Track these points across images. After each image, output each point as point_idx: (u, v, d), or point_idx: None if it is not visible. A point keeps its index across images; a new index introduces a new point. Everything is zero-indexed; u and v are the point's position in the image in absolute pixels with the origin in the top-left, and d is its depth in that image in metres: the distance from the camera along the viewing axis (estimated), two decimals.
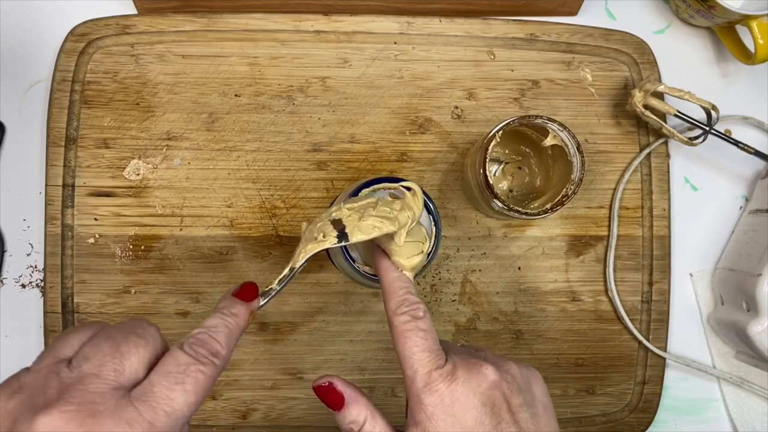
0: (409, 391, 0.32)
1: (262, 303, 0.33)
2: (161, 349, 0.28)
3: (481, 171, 0.44)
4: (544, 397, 0.35)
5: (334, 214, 0.35)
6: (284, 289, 0.34)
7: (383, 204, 0.36)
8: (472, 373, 0.31)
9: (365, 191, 0.40)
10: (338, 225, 0.35)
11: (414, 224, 0.37)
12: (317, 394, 0.34)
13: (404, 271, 0.36)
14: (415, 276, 0.40)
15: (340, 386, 0.34)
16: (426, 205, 0.40)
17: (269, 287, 0.34)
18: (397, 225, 0.35)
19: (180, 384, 0.27)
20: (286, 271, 0.34)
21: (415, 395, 0.32)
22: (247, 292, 0.32)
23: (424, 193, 0.40)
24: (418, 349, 0.32)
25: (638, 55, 0.53)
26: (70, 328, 0.29)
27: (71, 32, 0.49)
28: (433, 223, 0.40)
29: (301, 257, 0.35)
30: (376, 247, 0.37)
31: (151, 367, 0.27)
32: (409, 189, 0.39)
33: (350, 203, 0.36)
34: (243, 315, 0.31)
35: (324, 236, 0.35)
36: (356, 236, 0.34)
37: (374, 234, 0.34)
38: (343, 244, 0.35)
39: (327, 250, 0.46)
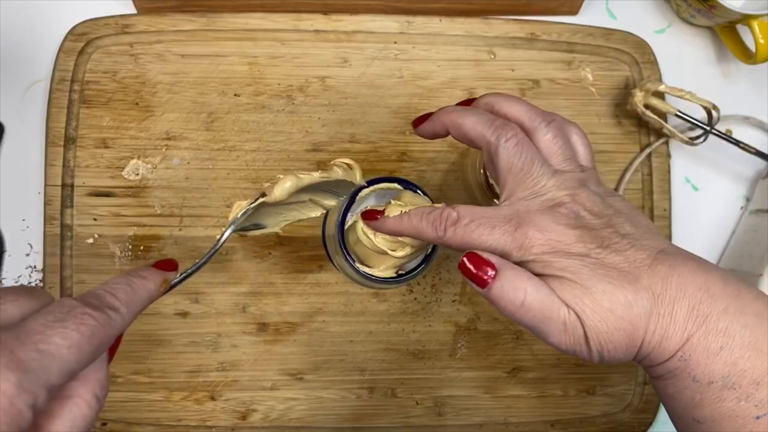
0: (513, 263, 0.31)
1: (179, 277, 0.31)
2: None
3: (481, 171, 0.44)
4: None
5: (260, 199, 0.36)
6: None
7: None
8: (540, 212, 0.31)
9: (365, 191, 0.40)
10: (261, 195, 0.35)
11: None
12: (464, 272, 0.31)
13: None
14: (415, 274, 0.40)
15: (484, 254, 0.30)
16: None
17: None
18: (317, 174, 0.35)
19: (60, 322, 0.23)
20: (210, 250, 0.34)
21: (519, 261, 0.30)
22: (166, 264, 0.31)
23: (425, 192, 0.40)
24: (486, 232, 0.31)
25: (639, 54, 0.53)
26: None
27: (70, 32, 0.49)
28: None
29: (227, 231, 0.34)
30: (367, 213, 0.36)
31: None
32: (408, 186, 0.39)
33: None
34: (154, 279, 0.29)
35: (245, 200, 0.35)
36: (272, 192, 0.34)
37: (289, 184, 0.34)
38: (259, 201, 0.34)
39: (327, 250, 0.46)
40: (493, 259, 0.30)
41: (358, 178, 0.38)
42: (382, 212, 0.35)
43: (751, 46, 0.51)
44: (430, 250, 0.40)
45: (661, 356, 0.29)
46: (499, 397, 0.50)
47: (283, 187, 0.34)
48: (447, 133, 0.36)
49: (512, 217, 0.31)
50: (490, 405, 0.50)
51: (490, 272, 0.30)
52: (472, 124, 0.33)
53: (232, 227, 0.35)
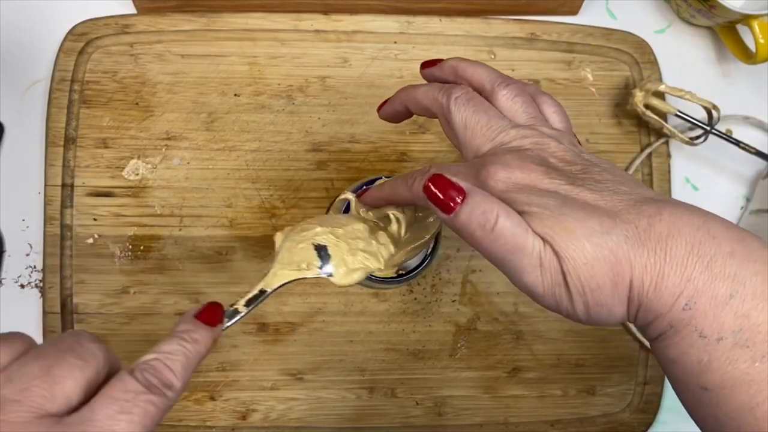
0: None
1: (226, 326, 0.30)
2: (104, 371, 0.25)
3: None
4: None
5: (318, 239, 0.33)
6: (268, 298, 0.32)
7: (371, 234, 0.35)
8: (503, 153, 0.29)
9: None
10: (322, 251, 0.33)
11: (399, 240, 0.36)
12: (429, 195, 0.28)
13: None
14: (415, 274, 0.40)
15: (451, 177, 0.28)
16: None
17: (234, 306, 0.31)
18: (381, 261, 0.34)
19: (126, 414, 0.23)
20: (256, 291, 0.31)
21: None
22: (212, 314, 0.28)
23: None
24: (452, 177, 0.28)
25: (639, 54, 0.53)
26: None
27: (70, 32, 0.49)
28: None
29: (276, 281, 0.32)
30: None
31: (90, 392, 0.24)
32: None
33: (337, 225, 0.34)
34: (205, 341, 0.27)
35: (307, 266, 0.32)
36: (340, 275, 0.33)
37: (357, 276, 0.33)
38: (324, 276, 0.32)
39: None
40: (462, 183, 0.27)
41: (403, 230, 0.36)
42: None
43: (751, 46, 0.51)
44: (430, 250, 0.40)
45: (660, 304, 0.25)
46: (499, 397, 0.50)
47: (352, 278, 0.33)
48: (408, 112, 0.35)
49: (476, 162, 0.29)
50: (490, 405, 0.50)
51: (458, 198, 0.27)
52: (425, 91, 0.33)
53: (273, 289, 0.32)
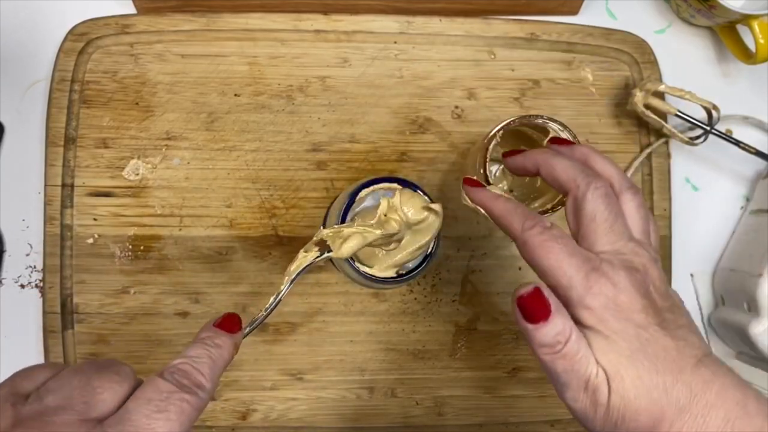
0: (569, 301, 0.30)
1: (246, 331, 0.32)
2: (135, 387, 0.26)
3: (482, 171, 0.44)
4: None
5: (315, 238, 0.37)
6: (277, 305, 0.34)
7: (362, 220, 0.38)
8: (618, 267, 0.30)
9: (364, 192, 0.40)
10: (322, 245, 0.36)
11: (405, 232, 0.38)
12: (521, 303, 0.30)
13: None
14: (415, 274, 0.40)
15: (545, 292, 0.30)
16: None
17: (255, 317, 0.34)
18: (379, 231, 0.37)
19: (162, 412, 0.24)
20: (272, 299, 0.35)
21: (577, 303, 0.29)
22: (230, 322, 0.30)
23: (425, 192, 0.40)
24: (565, 255, 0.30)
25: (639, 54, 0.53)
26: (31, 366, 0.27)
27: (70, 32, 0.49)
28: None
29: (285, 280, 0.35)
30: (472, 179, 0.37)
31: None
32: (408, 186, 0.40)
33: (331, 228, 0.37)
34: (227, 347, 0.29)
35: (306, 252, 0.36)
36: (338, 247, 0.36)
37: (355, 242, 0.36)
38: (325, 256, 0.35)
39: None
40: (552, 302, 0.29)
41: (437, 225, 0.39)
42: (484, 186, 0.37)
43: (751, 46, 0.51)
44: (430, 250, 0.40)
45: None
46: (499, 397, 0.50)
47: (350, 246, 0.36)
48: (536, 171, 0.36)
49: (593, 259, 0.30)
50: (490, 405, 0.50)
51: (543, 317, 0.29)
52: (565, 167, 0.34)
53: (294, 280, 0.36)
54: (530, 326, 0.29)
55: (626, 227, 0.32)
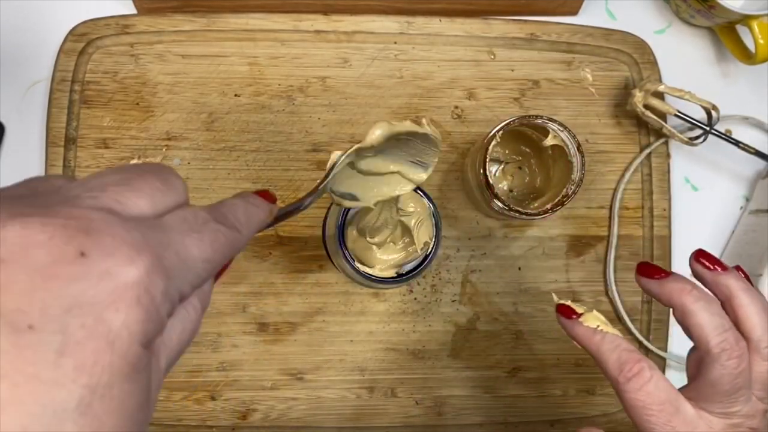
0: None
1: (284, 210, 0.30)
2: (182, 205, 0.23)
3: (482, 171, 0.44)
4: None
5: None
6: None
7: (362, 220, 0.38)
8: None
9: None
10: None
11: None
12: (561, 311, 0.34)
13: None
14: (415, 274, 0.41)
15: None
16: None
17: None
18: (408, 122, 0.35)
19: (197, 233, 0.21)
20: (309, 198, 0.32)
21: None
22: (267, 195, 0.28)
23: (425, 193, 0.40)
24: (662, 422, 0.30)
25: (639, 54, 0.53)
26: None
27: (71, 32, 0.49)
28: (433, 223, 0.40)
29: (324, 178, 0.33)
30: (562, 313, 0.35)
31: None
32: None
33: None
34: (264, 208, 0.26)
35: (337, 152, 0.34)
36: (366, 139, 0.33)
37: (380, 130, 0.33)
38: (356, 147, 0.33)
39: (327, 250, 0.47)
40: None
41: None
42: (579, 315, 0.34)
43: (751, 46, 0.51)
44: (430, 250, 0.40)
45: None
46: (499, 397, 0.50)
47: (376, 132, 0.34)
48: (668, 305, 0.33)
49: (694, 420, 0.30)
50: (490, 405, 0.50)
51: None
52: (702, 321, 0.31)
53: (335, 170, 0.33)
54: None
55: (748, 391, 0.31)
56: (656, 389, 0.30)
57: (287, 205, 0.31)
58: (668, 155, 0.53)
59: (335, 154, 0.34)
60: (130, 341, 0.18)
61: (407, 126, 0.34)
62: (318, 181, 0.33)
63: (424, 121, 0.36)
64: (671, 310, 0.33)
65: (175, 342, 0.22)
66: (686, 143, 0.50)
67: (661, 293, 0.33)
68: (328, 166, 0.33)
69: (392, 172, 0.38)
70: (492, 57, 0.52)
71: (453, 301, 0.50)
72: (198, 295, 0.23)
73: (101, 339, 0.17)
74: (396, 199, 0.38)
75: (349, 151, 0.33)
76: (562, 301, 0.35)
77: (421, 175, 0.38)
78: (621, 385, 0.31)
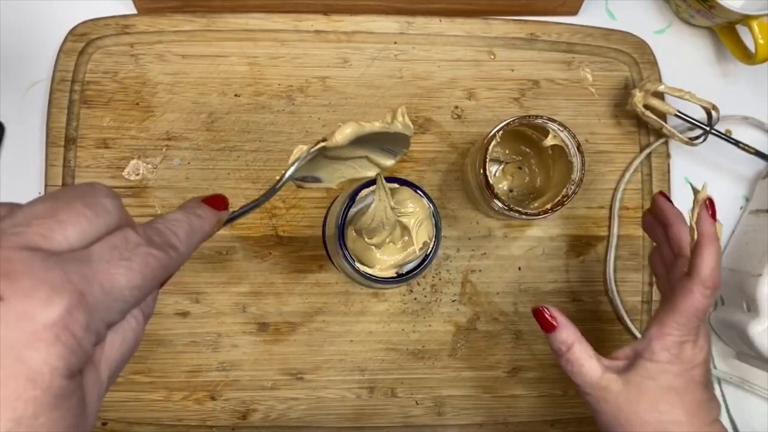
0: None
1: (234, 214, 0.30)
2: (113, 226, 0.23)
3: (482, 171, 0.44)
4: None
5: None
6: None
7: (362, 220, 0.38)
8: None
9: (365, 191, 0.40)
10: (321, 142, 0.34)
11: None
12: (534, 315, 0.39)
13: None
14: (415, 274, 0.40)
15: (553, 312, 0.38)
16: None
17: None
18: (378, 123, 0.35)
19: (125, 261, 0.22)
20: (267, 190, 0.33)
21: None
22: (217, 200, 0.28)
23: (424, 193, 0.40)
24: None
25: (638, 54, 0.53)
26: None
27: (71, 32, 0.49)
28: (433, 223, 0.40)
29: (283, 174, 0.33)
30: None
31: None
32: (409, 186, 0.40)
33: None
34: (209, 219, 0.27)
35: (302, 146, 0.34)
36: (333, 137, 0.33)
37: (350, 129, 0.33)
38: (320, 145, 0.33)
39: (327, 250, 0.47)
40: (559, 319, 0.39)
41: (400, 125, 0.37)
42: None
43: (751, 46, 0.51)
44: (430, 250, 0.40)
45: None
46: (499, 397, 0.50)
47: (344, 132, 0.34)
48: (694, 226, 0.37)
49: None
50: (490, 405, 0.50)
51: (551, 326, 0.39)
52: (716, 257, 0.36)
53: (294, 167, 0.34)
54: (545, 334, 0.39)
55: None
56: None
57: (242, 206, 0.31)
58: (668, 155, 0.53)
59: (299, 150, 0.34)
60: (52, 375, 0.19)
61: (376, 127, 0.34)
62: (277, 178, 0.33)
63: (399, 111, 0.35)
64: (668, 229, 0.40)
65: (117, 352, 0.23)
66: (686, 143, 0.50)
67: (693, 216, 0.37)
68: (290, 160, 0.33)
69: (360, 156, 0.38)
70: (492, 57, 0.52)
71: (453, 301, 0.50)
72: (139, 306, 0.24)
73: (21, 377, 0.19)
74: (389, 199, 0.38)
75: (312, 149, 0.33)
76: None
77: (389, 162, 0.38)
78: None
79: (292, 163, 0.34)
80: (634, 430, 0.35)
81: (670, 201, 0.41)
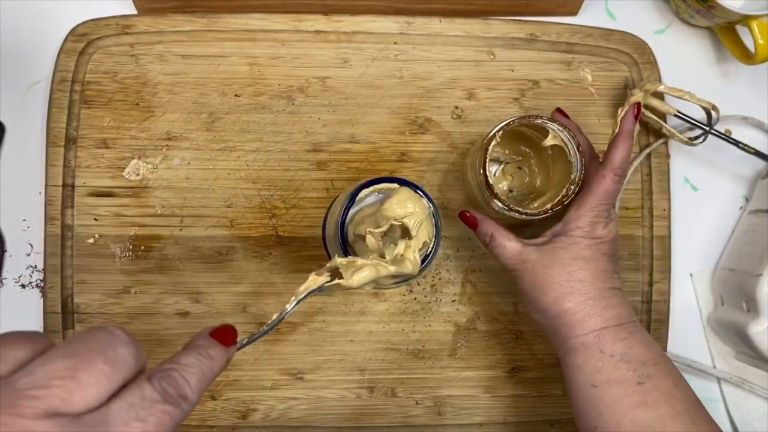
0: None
1: (242, 344, 0.31)
2: (131, 376, 0.24)
3: (481, 171, 0.44)
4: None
5: (328, 264, 0.37)
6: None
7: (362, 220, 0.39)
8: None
9: (365, 191, 0.40)
10: (334, 271, 0.36)
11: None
12: (460, 218, 0.45)
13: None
14: (412, 278, 0.41)
15: (473, 212, 0.45)
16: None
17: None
18: (393, 268, 0.37)
19: (141, 422, 0.23)
20: (275, 317, 0.34)
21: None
22: (226, 334, 0.29)
23: (425, 193, 0.40)
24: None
25: (638, 55, 0.53)
26: (8, 334, 0.24)
27: (71, 32, 0.49)
28: (433, 223, 0.40)
29: (292, 299, 0.35)
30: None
31: (112, 396, 0.24)
32: (408, 186, 0.39)
33: (346, 258, 0.37)
34: (219, 360, 0.28)
35: (317, 276, 0.36)
36: (349, 276, 0.36)
37: (366, 273, 0.36)
38: (335, 282, 0.36)
39: (327, 250, 0.47)
40: (478, 217, 0.45)
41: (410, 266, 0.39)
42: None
43: (751, 46, 0.51)
44: (430, 250, 0.40)
45: (580, 329, 0.40)
46: (499, 397, 0.50)
47: (361, 276, 0.36)
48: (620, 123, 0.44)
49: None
50: (490, 404, 0.50)
51: (474, 223, 0.45)
52: (627, 151, 0.43)
53: (304, 295, 0.35)
54: (474, 231, 0.45)
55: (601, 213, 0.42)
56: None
57: (249, 337, 0.32)
58: (668, 155, 0.53)
59: (313, 280, 0.35)
60: None
61: (391, 271, 0.37)
62: (278, 314, 0.34)
63: (407, 260, 0.38)
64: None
65: None
66: (686, 143, 0.50)
67: (620, 113, 0.45)
68: (302, 288, 0.35)
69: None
70: (492, 57, 0.52)
71: (453, 301, 0.50)
72: None
73: None
74: (373, 222, 0.39)
75: (326, 284, 0.36)
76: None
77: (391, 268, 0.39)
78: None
79: (302, 295, 0.35)
80: (548, 289, 0.41)
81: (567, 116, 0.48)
